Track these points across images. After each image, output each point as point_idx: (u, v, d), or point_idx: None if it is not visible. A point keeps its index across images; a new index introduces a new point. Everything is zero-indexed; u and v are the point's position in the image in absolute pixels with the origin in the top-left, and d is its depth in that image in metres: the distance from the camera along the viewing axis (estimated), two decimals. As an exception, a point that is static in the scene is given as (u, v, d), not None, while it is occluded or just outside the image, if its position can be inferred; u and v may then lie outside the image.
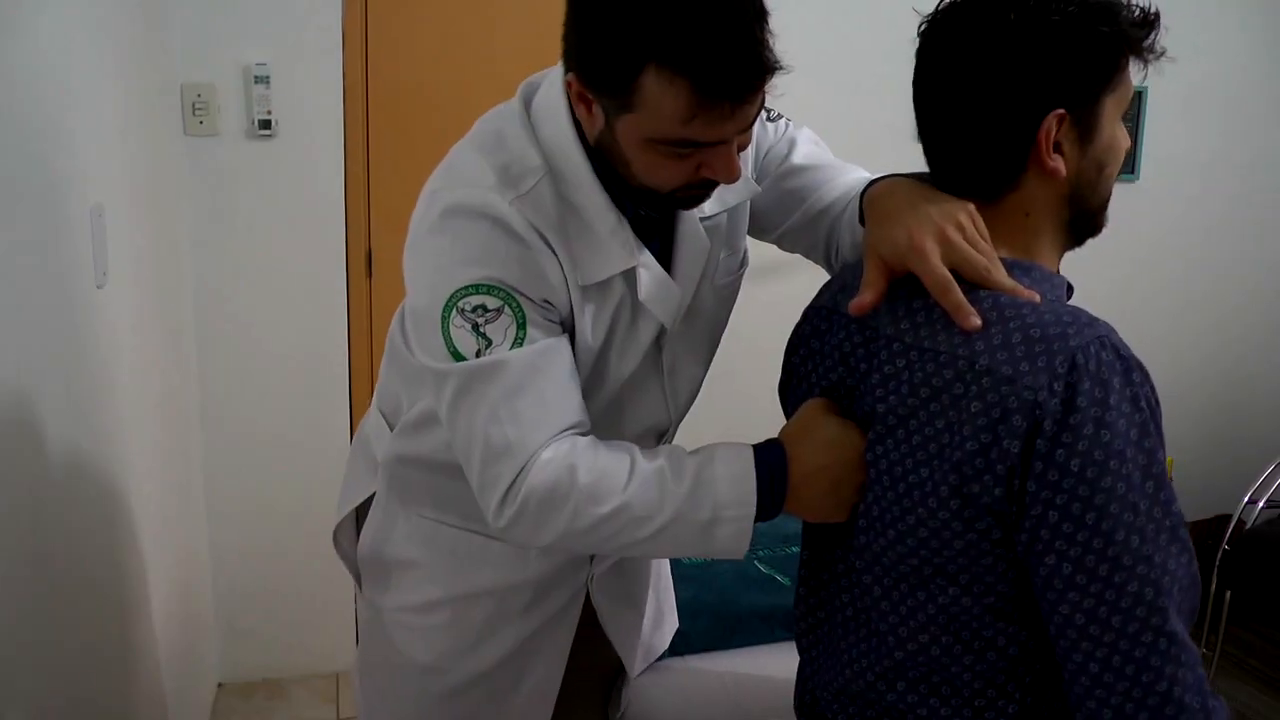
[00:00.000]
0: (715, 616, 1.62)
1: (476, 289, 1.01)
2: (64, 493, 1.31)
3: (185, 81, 2.27)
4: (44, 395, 1.23)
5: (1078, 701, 0.85)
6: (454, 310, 1.01)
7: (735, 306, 1.28)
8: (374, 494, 1.31)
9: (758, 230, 1.27)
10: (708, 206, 1.15)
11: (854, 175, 1.21)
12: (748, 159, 1.19)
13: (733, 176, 1.01)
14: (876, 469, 0.95)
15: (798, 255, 1.29)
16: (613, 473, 1.00)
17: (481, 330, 1.01)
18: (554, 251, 1.04)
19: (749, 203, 1.23)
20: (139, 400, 1.78)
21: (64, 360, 1.34)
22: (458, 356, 1.02)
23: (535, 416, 1.01)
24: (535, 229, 1.03)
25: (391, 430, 1.26)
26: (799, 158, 1.23)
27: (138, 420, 1.75)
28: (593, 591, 1.31)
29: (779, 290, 1.78)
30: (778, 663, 1.47)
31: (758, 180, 1.21)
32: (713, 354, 1.27)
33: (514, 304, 1.02)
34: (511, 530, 1.02)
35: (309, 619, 2.58)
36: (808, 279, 1.23)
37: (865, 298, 0.95)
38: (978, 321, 0.87)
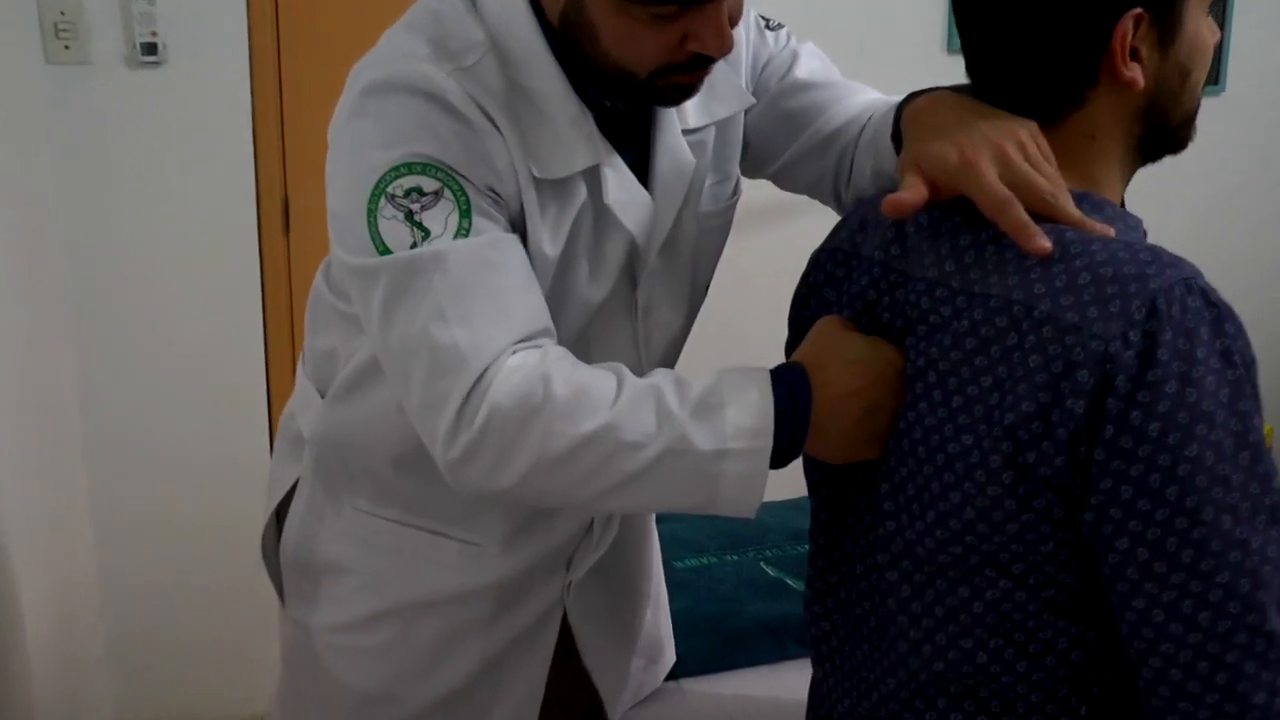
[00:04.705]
0: (715, 631, 1.62)
1: (410, 168, 0.99)
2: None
3: (43, -4, 2.24)
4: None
5: (1156, 717, 0.85)
6: (382, 198, 0.99)
7: (726, 257, 1.28)
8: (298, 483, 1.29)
9: (755, 163, 1.27)
10: (692, 117, 1.15)
11: (867, 96, 1.23)
12: (741, 68, 1.20)
13: (724, 47, 1.01)
14: (910, 438, 0.95)
15: (800, 195, 1.29)
16: (596, 387, 0.97)
17: (417, 219, 0.99)
18: (501, 134, 1.03)
19: (743, 124, 1.23)
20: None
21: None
22: (386, 252, 1.00)
23: (491, 317, 0.98)
24: (478, 105, 1.02)
25: (324, 399, 1.25)
26: (803, 72, 1.24)
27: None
28: (570, 611, 1.30)
29: (779, 237, 1.78)
30: (789, 684, 1.48)
31: (755, 97, 1.21)
32: (696, 304, 1.27)
33: (455, 186, 1.00)
34: (467, 464, 0.97)
35: (220, 653, 2.57)
36: (814, 222, 1.23)
37: (906, 197, 0.93)
38: (1047, 244, 0.86)
